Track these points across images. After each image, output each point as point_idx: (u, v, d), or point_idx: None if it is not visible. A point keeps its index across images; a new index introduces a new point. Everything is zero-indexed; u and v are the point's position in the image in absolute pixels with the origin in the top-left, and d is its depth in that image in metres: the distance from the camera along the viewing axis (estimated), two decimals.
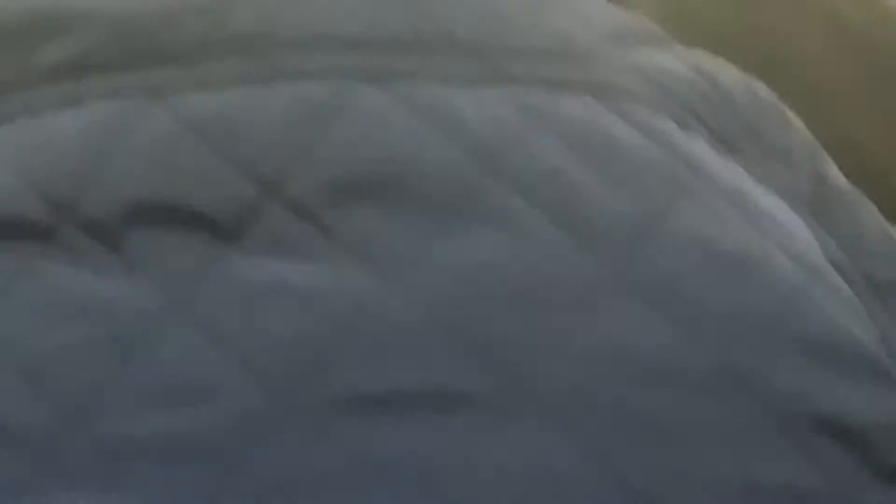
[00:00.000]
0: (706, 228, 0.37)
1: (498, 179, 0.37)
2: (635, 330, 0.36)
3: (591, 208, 0.37)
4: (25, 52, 0.39)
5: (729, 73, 0.43)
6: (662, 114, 0.39)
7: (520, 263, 0.36)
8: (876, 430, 0.38)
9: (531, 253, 0.36)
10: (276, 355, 0.34)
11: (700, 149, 0.39)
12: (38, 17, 0.40)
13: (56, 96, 0.39)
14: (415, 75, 0.38)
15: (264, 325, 0.35)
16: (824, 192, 0.42)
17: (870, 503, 0.38)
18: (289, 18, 0.39)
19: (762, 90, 0.44)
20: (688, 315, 0.36)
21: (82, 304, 0.35)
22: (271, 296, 0.35)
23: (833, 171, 0.44)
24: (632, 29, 0.43)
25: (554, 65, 0.39)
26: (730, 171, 0.39)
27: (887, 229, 0.44)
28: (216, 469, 0.33)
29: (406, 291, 0.35)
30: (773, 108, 0.43)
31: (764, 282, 0.37)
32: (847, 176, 1.15)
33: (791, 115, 0.44)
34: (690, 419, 0.36)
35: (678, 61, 0.42)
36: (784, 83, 1.19)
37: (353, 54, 0.38)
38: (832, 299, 0.38)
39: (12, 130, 0.38)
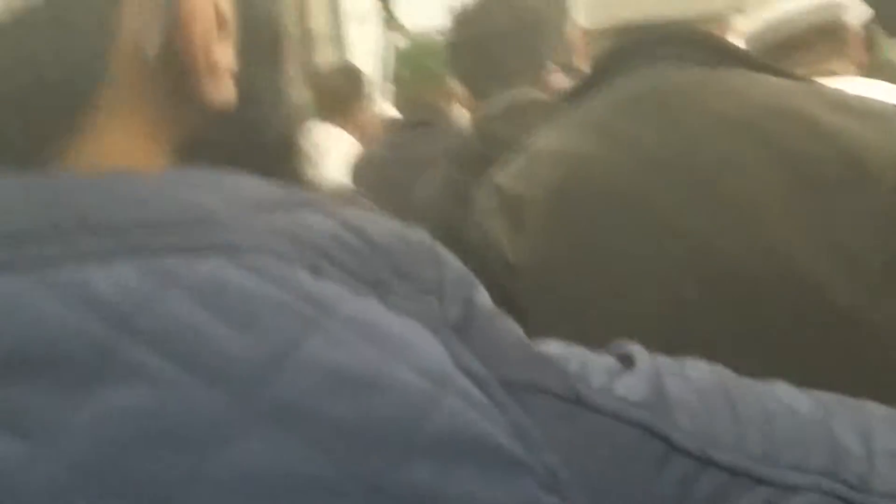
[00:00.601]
0: (332, 355, 0.42)
1: (131, 340, 0.41)
2: (268, 452, 0.40)
3: (220, 352, 0.41)
4: None
5: (380, 226, 0.47)
6: (293, 264, 0.44)
7: (154, 409, 0.40)
8: None
9: (165, 398, 0.40)
10: None
11: (332, 290, 0.44)
12: None
13: None
14: (54, 259, 0.42)
15: None
16: (470, 314, 0.47)
17: None
18: None
19: (416, 236, 0.48)
20: (317, 432, 0.41)
21: None
22: None
23: (481, 297, 0.49)
24: (280, 199, 0.47)
25: (185, 234, 0.44)
26: (362, 306, 0.44)
27: (523, 340, 0.50)
28: None
29: (53, 453, 0.40)
30: (426, 250, 0.48)
31: (388, 394, 0.42)
32: (777, 283, 1.18)
33: (444, 252, 0.48)
34: None
35: (324, 218, 0.46)
36: (718, 196, 1.22)
37: None
38: (459, 401, 0.43)
39: None
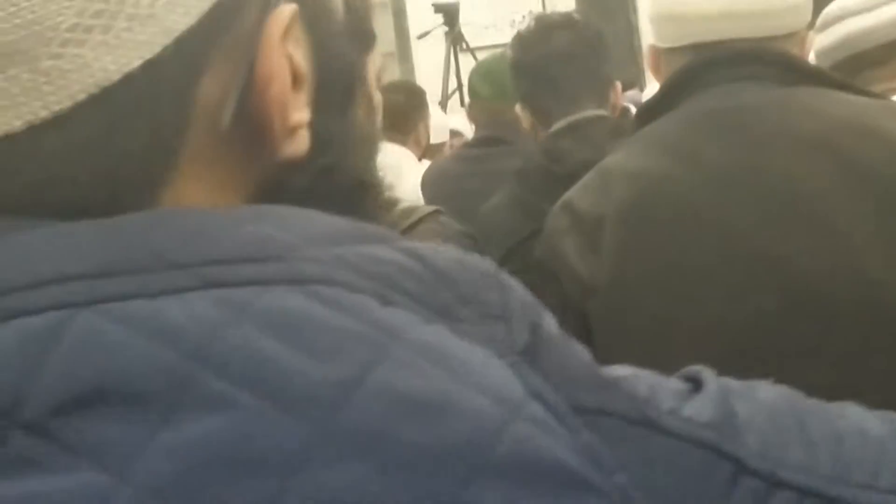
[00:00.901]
0: (403, 381, 0.43)
1: (205, 369, 0.42)
2: (345, 478, 0.41)
3: (295, 380, 0.42)
4: None
5: (446, 254, 0.48)
6: (362, 293, 0.45)
7: (233, 437, 0.41)
8: None
9: (243, 426, 0.41)
10: None
11: (401, 318, 0.44)
12: None
13: None
14: (128, 295, 0.43)
15: None
16: (537, 339, 0.47)
17: None
18: (8, 267, 0.45)
19: (479, 263, 0.49)
20: (390, 457, 0.42)
21: None
22: None
23: (547, 322, 0.49)
24: (349, 233, 0.48)
25: (254, 266, 0.45)
26: (431, 333, 0.45)
27: (591, 364, 0.50)
28: None
29: (132, 484, 0.41)
30: (490, 276, 0.48)
31: (459, 418, 0.42)
32: (856, 302, 1.17)
33: (508, 278, 0.49)
34: None
35: (392, 250, 0.47)
36: (795, 215, 1.21)
37: (70, 287, 0.44)
38: (528, 425, 0.44)
39: None
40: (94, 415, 0.41)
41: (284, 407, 0.42)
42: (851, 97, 1.26)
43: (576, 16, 2.32)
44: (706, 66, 1.29)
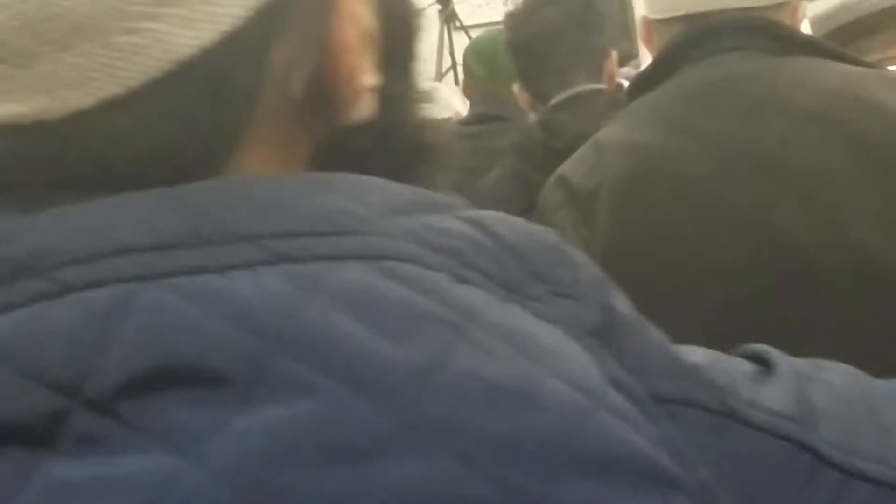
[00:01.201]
0: (482, 367, 0.41)
1: (280, 349, 0.40)
2: (425, 468, 0.39)
3: (374, 363, 0.40)
4: None
5: (513, 225, 0.46)
6: (434, 269, 0.43)
7: (310, 422, 0.39)
8: None
9: (321, 412, 0.39)
10: None
11: (474, 296, 0.43)
12: None
13: None
14: (196, 269, 0.41)
15: None
16: (611, 321, 0.46)
17: None
18: (69, 237, 0.43)
19: (549, 237, 0.47)
20: (471, 448, 0.40)
21: None
22: (91, 490, 0.39)
23: (620, 302, 0.47)
24: (413, 201, 0.46)
25: (325, 240, 0.43)
26: (506, 313, 0.43)
27: (669, 349, 0.48)
28: None
29: (202, 467, 0.39)
30: (561, 252, 0.47)
31: (541, 407, 0.41)
32: (849, 278, 1.16)
33: (579, 254, 0.47)
34: None
35: (458, 221, 0.45)
36: (788, 186, 1.20)
37: (134, 258, 0.42)
38: (609, 415, 0.42)
39: None
40: (163, 395, 0.40)
41: (365, 392, 0.40)
42: (845, 67, 1.25)
43: None
44: (698, 36, 1.28)
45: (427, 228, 0.45)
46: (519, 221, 0.47)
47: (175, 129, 0.47)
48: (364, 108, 0.53)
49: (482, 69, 2.72)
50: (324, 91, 0.51)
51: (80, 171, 0.46)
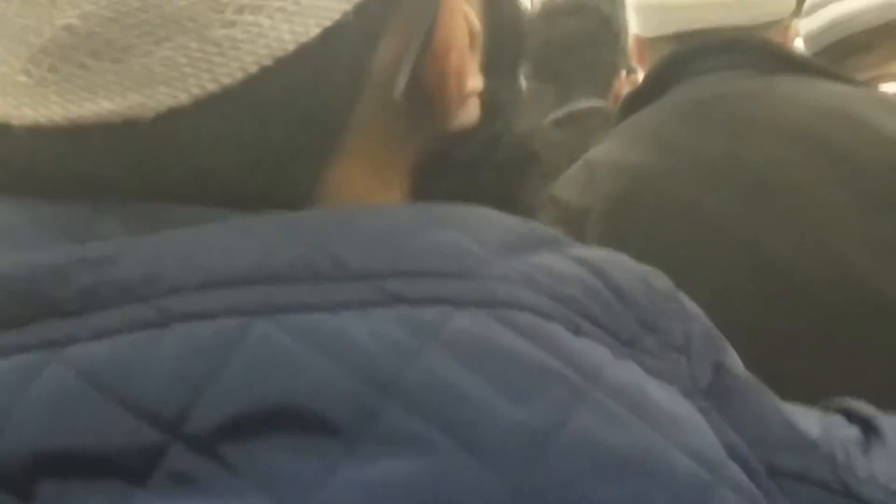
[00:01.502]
0: (602, 433, 0.38)
1: (394, 400, 0.38)
2: None
3: (490, 423, 0.38)
4: None
5: (624, 268, 0.44)
6: (552, 320, 0.40)
7: (419, 482, 0.37)
8: None
9: (432, 471, 0.37)
10: None
11: (592, 352, 0.40)
12: None
13: None
14: (306, 305, 0.39)
15: None
16: (724, 381, 0.43)
17: None
18: (176, 262, 0.40)
19: (660, 281, 0.44)
20: None
21: None
22: None
23: (731, 359, 0.45)
24: (524, 236, 0.43)
25: (441, 282, 0.40)
26: (625, 372, 0.40)
27: (786, 415, 0.45)
28: None
29: None
30: (671, 299, 0.44)
31: (662, 481, 0.38)
32: (836, 297, 1.16)
33: (689, 303, 0.44)
34: None
35: (570, 263, 0.43)
36: (778, 206, 1.20)
37: (243, 291, 0.40)
38: (730, 492, 0.39)
39: None
40: (266, 437, 0.37)
41: (480, 454, 0.37)
42: (835, 86, 1.25)
43: (585, 1, 2.27)
44: (689, 55, 1.28)
45: (542, 272, 0.42)
46: (630, 264, 0.45)
47: (272, 130, 0.44)
48: (469, 115, 0.50)
49: None
50: (427, 94, 0.48)
51: (174, 177, 0.44)
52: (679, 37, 1.31)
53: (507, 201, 0.50)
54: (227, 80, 0.42)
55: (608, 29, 2.17)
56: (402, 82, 0.46)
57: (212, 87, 0.42)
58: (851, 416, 0.50)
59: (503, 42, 0.53)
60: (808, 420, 0.47)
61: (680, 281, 1.23)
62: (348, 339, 0.39)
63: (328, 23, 0.43)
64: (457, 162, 0.51)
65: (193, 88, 0.42)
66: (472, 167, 0.51)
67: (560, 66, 2.09)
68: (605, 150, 1.29)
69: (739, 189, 1.17)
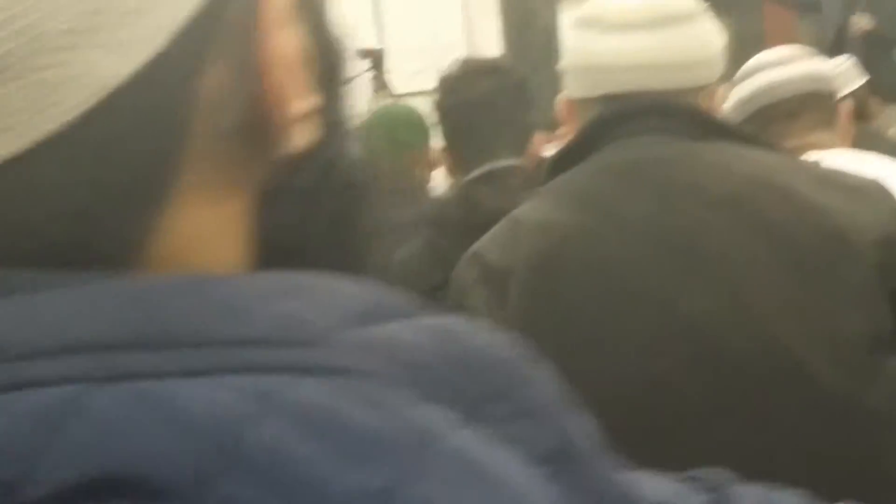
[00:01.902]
0: (438, 500, 0.39)
1: (231, 468, 0.37)
2: None
3: (326, 489, 0.38)
4: None
5: (475, 336, 0.44)
6: (395, 388, 0.41)
7: None
8: None
9: None
10: None
11: (435, 420, 0.40)
12: None
13: None
14: (151, 373, 0.39)
15: None
16: (567, 449, 0.44)
17: None
18: (17, 332, 0.40)
19: (512, 349, 0.45)
20: None
21: None
22: None
23: (577, 427, 0.45)
24: (372, 306, 0.44)
25: (284, 351, 0.41)
26: (466, 439, 0.41)
27: (623, 485, 0.46)
28: None
29: None
30: (520, 368, 0.44)
31: None
32: (760, 364, 1.16)
33: (545, 372, 0.45)
34: None
35: (418, 332, 0.43)
36: (701, 270, 1.21)
37: (83, 359, 0.39)
38: None
39: None
40: None
41: None
42: (760, 153, 1.26)
43: (501, 62, 2.31)
44: (617, 117, 1.29)
45: (387, 341, 0.42)
46: (483, 332, 0.45)
47: (108, 168, 0.44)
48: (302, 137, 0.50)
49: (380, 142, 2.73)
50: (258, 118, 0.48)
51: (14, 235, 0.43)
52: (607, 99, 1.31)
53: (348, 228, 0.51)
54: (64, 119, 0.42)
55: (525, 90, 2.19)
56: (229, 108, 0.47)
57: (49, 127, 0.42)
58: (707, 485, 0.51)
59: (330, 64, 0.53)
60: (658, 489, 0.48)
61: (600, 341, 1.23)
62: (188, 406, 0.38)
63: (148, 56, 0.44)
64: (296, 190, 0.51)
65: (32, 132, 0.42)
66: (311, 194, 0.51)
67: (479, 123, 2.10)
68: (530, 209, 1.29)
69: (663, 252, 1.17)
